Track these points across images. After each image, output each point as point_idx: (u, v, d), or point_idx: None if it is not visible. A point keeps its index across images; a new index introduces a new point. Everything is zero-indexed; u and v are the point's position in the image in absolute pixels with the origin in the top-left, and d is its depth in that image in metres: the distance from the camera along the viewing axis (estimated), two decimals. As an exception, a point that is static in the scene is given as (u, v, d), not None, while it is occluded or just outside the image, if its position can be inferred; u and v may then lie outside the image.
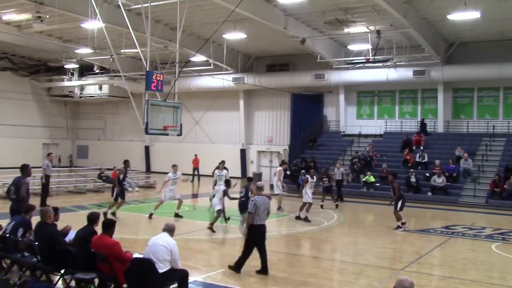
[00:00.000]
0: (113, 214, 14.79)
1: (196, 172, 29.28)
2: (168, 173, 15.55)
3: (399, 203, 14.75)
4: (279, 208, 17.59)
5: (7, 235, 7.85)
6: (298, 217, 15.83)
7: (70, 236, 7.89)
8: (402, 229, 14.77)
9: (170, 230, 7.12)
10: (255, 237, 9.06)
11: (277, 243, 12.96)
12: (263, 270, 9.05)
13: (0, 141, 33.76)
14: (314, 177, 16.50)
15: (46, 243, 7.22)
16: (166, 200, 15.46)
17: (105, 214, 13.91)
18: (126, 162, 15.89)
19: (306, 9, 20.74)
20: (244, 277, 8.97)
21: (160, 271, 6.64)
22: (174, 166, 15.35)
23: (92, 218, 7.37)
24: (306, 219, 15.60)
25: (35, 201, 14.16)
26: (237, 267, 9.10)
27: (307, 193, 15.86)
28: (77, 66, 33.16)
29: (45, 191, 17.19)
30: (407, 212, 16.48)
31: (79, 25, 22.53)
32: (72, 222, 8.76)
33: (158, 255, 6.70)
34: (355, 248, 12.65)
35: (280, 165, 19.57)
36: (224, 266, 9.54)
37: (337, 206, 19.38)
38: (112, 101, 37.37)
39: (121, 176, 15.35)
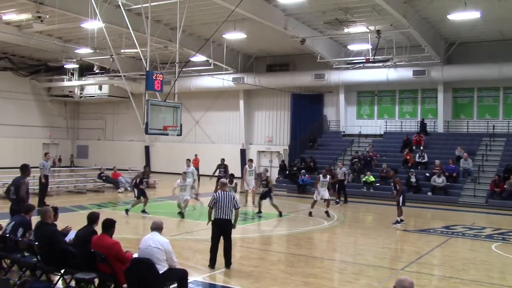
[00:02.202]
0: (143, 211, 15.93)
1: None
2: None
3: (401, 198, 15.18)
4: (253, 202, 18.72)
5: (7, 235, 7.84)
6: (327, 213, 16.56)
7: (70, 236, 7.88)
8: (400, 225, 14.99)
9: (159, 228, 7.12)
10: (214, 230, 9.36)
11: (277, 243, 12.98)
12: (225, 263, 9.35)
13: (0, 141, 33.77)
14: (327, 176, 17.04)
15: (46, 243, 7.21)
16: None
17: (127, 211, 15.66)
18: (146, 167, 18.31)
19: (306, 9, 20.74)
20: (244, 277, 8.96)
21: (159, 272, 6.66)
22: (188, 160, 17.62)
23: (92, 218, 7.36)
24: (310, 214, 16.56)
25: (34, 201, 14.18)
26: (210, 264, 9.34)
27: (318, 191, 16.62)
28: (77, 66, 33.16)
29: (42, 191, 17.14)
30: (408, 212, 16.51)
31: (79, 25, 22.54)
32: (72, 222, 8.77)
33: (153, 258, 6.65)
34: (355, 248, 12.65)
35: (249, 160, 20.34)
36: (224, 266, 9.54)
37: (337, 202, 20.04)
38: (112, 101, 37.37)
39: (137, 180, 16.24)
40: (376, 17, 20.76)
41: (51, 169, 18.28)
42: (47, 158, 17.94)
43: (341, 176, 20.78)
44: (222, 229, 9.31)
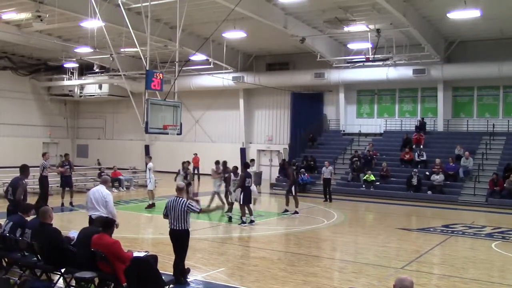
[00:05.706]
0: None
1: (196, 171, 29.26)
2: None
3: None
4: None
5: (7, 235, 7.84)
6: None
7: (73, 234, 7.91)
8: None
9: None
10: (171, 241, 8.43)
11: (277, 241, 12.99)
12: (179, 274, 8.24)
13: (0, 140, 33.76)
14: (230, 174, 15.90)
15: (46, 242, 7.21)
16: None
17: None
18: (66, 154, 18.63)
19: (306, 8, 20.72)
20: (243, 276, 8.97)
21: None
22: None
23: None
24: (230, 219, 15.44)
25: (34, 201, 14.15)
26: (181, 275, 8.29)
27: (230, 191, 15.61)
28: (77, 65, 33.12)
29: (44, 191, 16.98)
30: (407, 210, 16.51)
31: (78, 24, 22.49)
32: (72, 222, 8.76)
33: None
34: (355, 246, 12.67)
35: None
36: (224, 265, 9.54)
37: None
38: (112, 100, 37.34)
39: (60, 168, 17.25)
40: (376, 15, 20.74)
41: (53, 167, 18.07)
42: (46, 158, 17.48)
43: (327, 175, 20.96)
44: (175, 241, 8.37)
